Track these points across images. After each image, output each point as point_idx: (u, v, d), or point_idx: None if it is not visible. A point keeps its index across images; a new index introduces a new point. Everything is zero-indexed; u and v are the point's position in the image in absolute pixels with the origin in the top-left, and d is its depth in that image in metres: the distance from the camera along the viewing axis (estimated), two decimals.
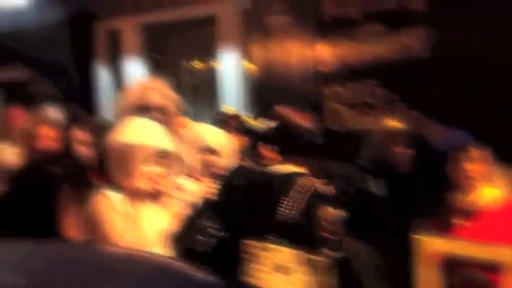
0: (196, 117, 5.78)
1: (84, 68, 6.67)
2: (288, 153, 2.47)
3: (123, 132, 2.69)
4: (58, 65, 6.67)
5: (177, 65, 6.11)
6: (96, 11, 6.63)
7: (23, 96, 6.44)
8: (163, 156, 2.73)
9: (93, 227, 2.66)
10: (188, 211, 2.77)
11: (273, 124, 2.99)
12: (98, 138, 3.22)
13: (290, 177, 2.41)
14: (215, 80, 5.60)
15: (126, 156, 2.64)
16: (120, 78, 6.63)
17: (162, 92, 3.70)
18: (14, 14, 7.16)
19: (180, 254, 2.50)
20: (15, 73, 7.74)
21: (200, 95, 5.87)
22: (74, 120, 3.25)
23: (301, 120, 2.43)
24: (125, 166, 2.66)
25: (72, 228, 3.39)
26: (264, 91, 4.78)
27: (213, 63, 5.83)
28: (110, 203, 2.65)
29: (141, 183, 2.67)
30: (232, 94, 5.32)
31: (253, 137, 3.04)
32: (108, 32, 6.66)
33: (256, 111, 4.50)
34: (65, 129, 3.52)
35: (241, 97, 5.33)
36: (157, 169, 2.71)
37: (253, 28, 5.01)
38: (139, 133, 2.67)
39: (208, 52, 5.82)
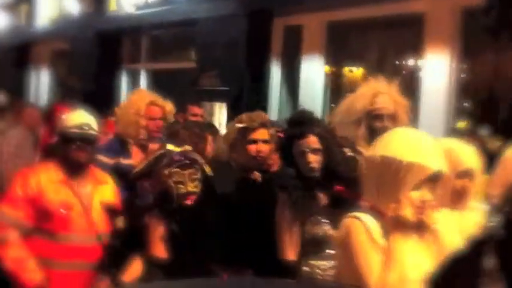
0: None
1: (258, 64, 6.43)
2: None
3: (392, 146, 2.26)
4: (230, 59, 6.51)
5: (370, 66, 5.68)
6: (275, 6, 6.38)
7: (195, 90, 6.29)
8: (435, 180, 2.27)
9: (344, 254, 2.28)
10: (454, 249, 2.31)
11: None
12: (328, 147, 2.84)
13: None
14: (416, 86, 5.07)
15: (393, 176, 2.21)
16: (295, 77, 6.31)
17: (394, 98, 3.31)
18: (188, 1, 7.14)
19: None
20: (186, 64, 7.75)
21: None
22: (298, 124, 2.88)
23: None
24: (389, 188, 2.21)
25: (291, 249, 3.07)
26: (485, 100, 4.19)
27: (415, 65, 5.33)
28: (366, 231, 2.23)
29: (406, 211, 2.22)
30: (436, 102, 4.78)
31: None
32: (286, 28, 6.38)
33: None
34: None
35: (449, 106, 4.78)
36: (427, 195, 2.25)
37: (476, 30, 4.44)
38: (415, 149, 2.20)
39: (410, 53, 5.33)
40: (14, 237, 3.15)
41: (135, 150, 4.12)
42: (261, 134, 3.16)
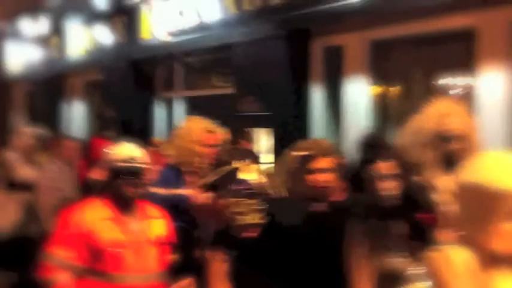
0: None
1: (298, 87, 6.28)
2: None
3: (482, 172, 2.07)
4: (269, 83, 6.39)
5: (417, 86, 5.50)
6: (312, 27, 6.26)
7: (234, 116, 6.19)
8: None
9: None
10: None
11: None
12: (404, 173, 2.67)
13: None
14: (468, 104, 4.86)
15: (484, 205, 2.02)
16: (338, 100, 6.15)
17: (462, 119, 3.17)
18: (224, 26, 7.06)
19: None
20: (223, 90, 7.66)
21: None
22: (370, 149, 2.73)
23: None
24: (480, 218, 2.03)
25: (364, 286, 2.86)
26: None
27: (466, 83, 5.12)
28: (457, 266, 2.04)
29: (499, 245, 2.03)
30: (493, 121, 4.55)
31: None
32: (326, 49, 6.24)
33: None
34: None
35: (507, 125, 4.56)
36: None
37: None
38: (507, 175, 2.04)
39: (459, 70, 5.14)
40: (65, 279, 3.04)
41: (189, 180, 4.02)
42: (322, 162, 3.00)
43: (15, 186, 6.37)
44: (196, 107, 8.50)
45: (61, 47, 11.47)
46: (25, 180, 6.34)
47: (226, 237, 3.09)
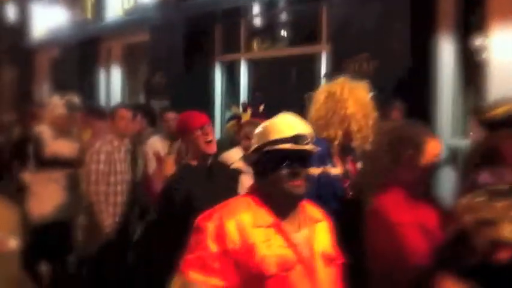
0: None
1: (421, 43, 5.08)
2: None
3: None
4: (383, 37, 5.20)
5: None
6: None
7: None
8: None
9: None
10: None
11: None
12: None
13: None
14: None
15: None
16: (476, 58, 4.96)
17: None
18: None
19: None
20: (310, 49, 6.53)
21: None
22: None
23: None
24: None
25: None
26: None
27: None
28: None
29: None
30: None
31: None
32: None
33: None
34: None
35: None
36: None
37: None
38: None
39: None
40: None
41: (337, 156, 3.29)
42: None
43: (47, 164, 5.38)
44: (268, 70, 7.42)
45: (95, 7, 10.38)
46: (59, 156, 5.41)
47: (463, 258, 1.98)
